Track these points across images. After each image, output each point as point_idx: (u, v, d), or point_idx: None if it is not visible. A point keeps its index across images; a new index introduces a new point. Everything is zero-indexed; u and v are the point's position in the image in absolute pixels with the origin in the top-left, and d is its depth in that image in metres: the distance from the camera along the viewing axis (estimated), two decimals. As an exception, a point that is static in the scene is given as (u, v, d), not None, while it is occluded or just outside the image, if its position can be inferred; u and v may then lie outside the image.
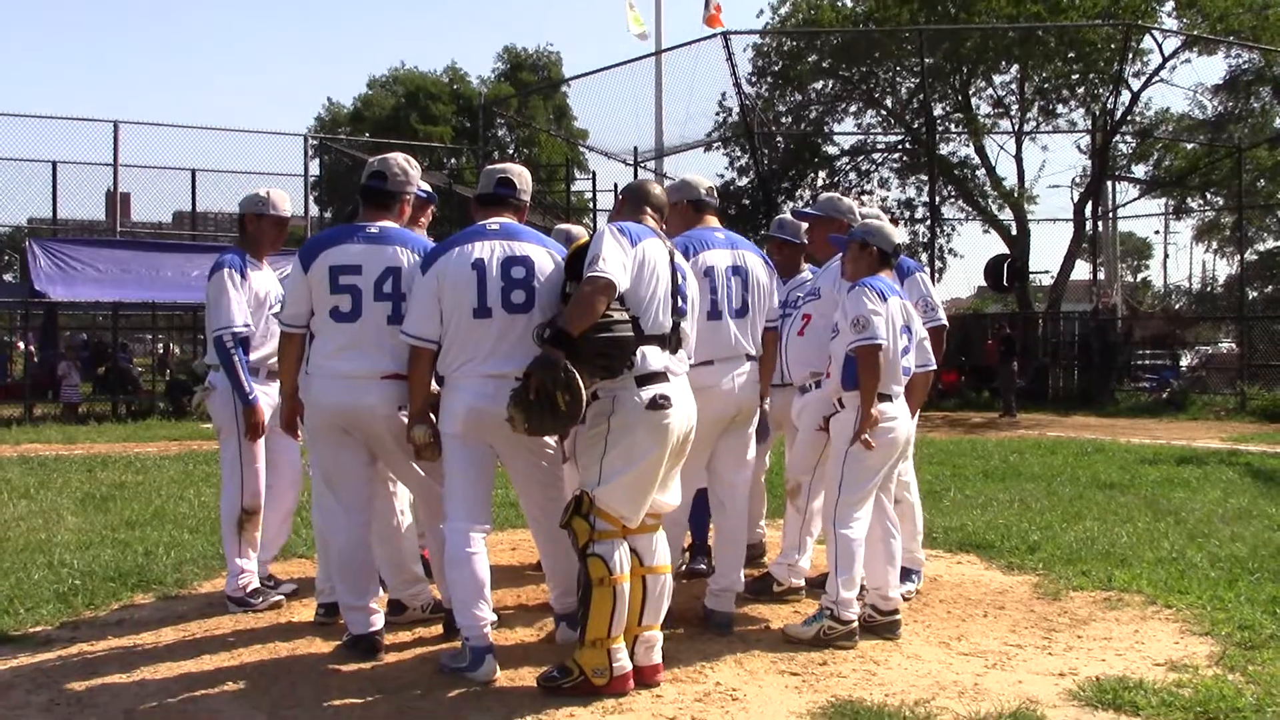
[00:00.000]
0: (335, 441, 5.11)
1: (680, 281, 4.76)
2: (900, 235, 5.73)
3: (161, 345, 33.39)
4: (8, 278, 34.78)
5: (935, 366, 5.92)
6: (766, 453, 6.91)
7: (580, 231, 5.93)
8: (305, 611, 5.91)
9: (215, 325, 5.81)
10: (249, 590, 5.94)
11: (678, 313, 4.70)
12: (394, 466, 5.25)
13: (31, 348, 25.06)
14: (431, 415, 4.87)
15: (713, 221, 5.79)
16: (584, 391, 4.31)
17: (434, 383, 4.91)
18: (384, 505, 5.45)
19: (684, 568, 6.53)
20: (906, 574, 6.11)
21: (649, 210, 4.94)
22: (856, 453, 5.31)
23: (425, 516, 5.34)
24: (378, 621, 5.19)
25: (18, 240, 27.35)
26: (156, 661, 5.09)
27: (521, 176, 5.19)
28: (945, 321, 6.35)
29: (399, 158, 5.32)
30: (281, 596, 6.07)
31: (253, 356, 5.93)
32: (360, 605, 5.15)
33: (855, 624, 5.30)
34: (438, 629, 5.48)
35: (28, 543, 7.73)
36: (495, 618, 4.95)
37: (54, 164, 22.79)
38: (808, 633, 5.32)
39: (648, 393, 4.50)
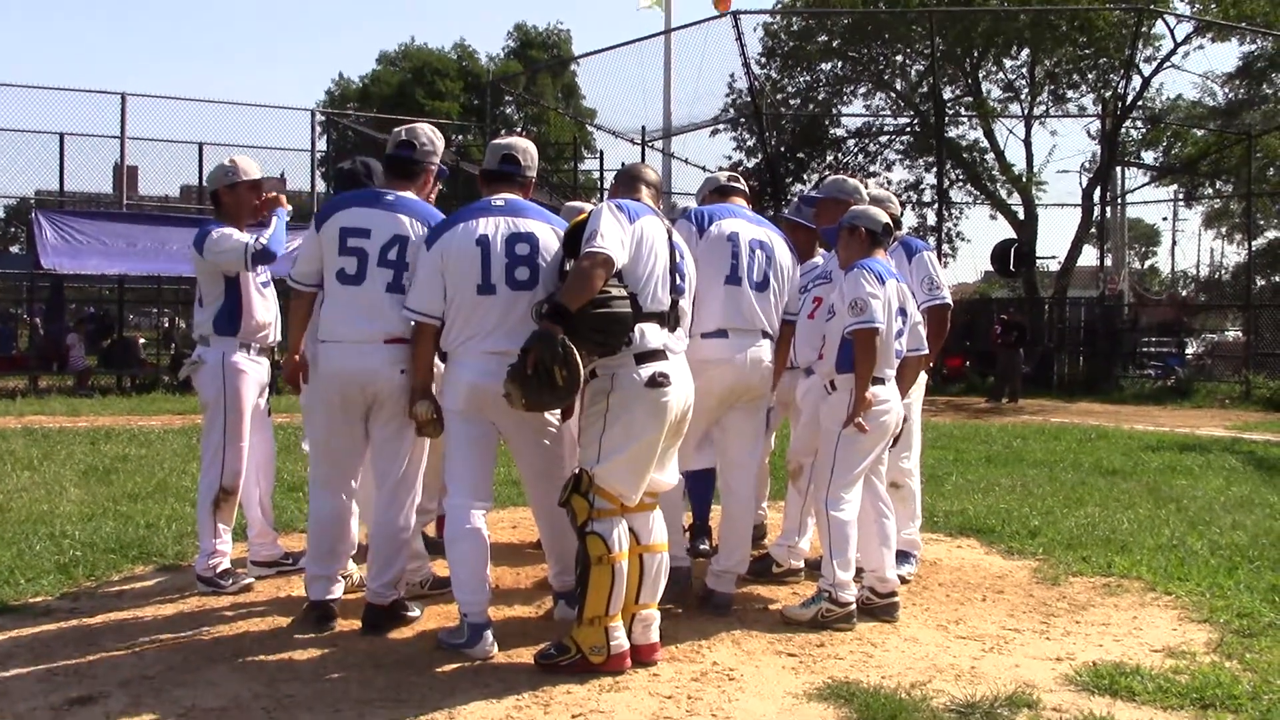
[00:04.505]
0: (336, 408, 5.09)
1: (678, 259, 4.75)
2: (885, 214, 5.63)
3: (167, 319, 33.43)
4: (14, 250, 34.73)
5: (927, 351, 5.92)
6: (772, 435, 6.90)
7: (590, 209, 5.92)
8: (305, 586, 5.92)
9: (234, 254, 5.73)
10: (219, 571, 5.84)
11: (675, 290, 4.69)
12: (389, 438, 5.12)
13: (37, 320, 24.98)
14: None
15: (740, 202, 5.81)
16: (581, 367, 4.31)
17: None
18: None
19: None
20: (905, 557, 6.13)
21: (644, 189, 4.95)
22: (849, 435, 5.31)
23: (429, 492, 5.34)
24: (336, 590, 5.27)
25: (24, 212, 27.25)
26: (155, 633, 5.10)
27: (527, 152, 5.13)
28: (949, 300, 6.32)
29: (426, 128, 5.34)
30: (251, 580, 5.97)
31: (241, 329, 5.85)
32: (326, 574, 5.23)
33: (853, 606, 5.30)
34: (437, 605, 5.50)
35: (29, 514, 7.74)
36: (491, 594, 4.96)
37: (61, 136, 22.56)
38: (805, 614, 5.32)
39: (646, 370, 4.50)
